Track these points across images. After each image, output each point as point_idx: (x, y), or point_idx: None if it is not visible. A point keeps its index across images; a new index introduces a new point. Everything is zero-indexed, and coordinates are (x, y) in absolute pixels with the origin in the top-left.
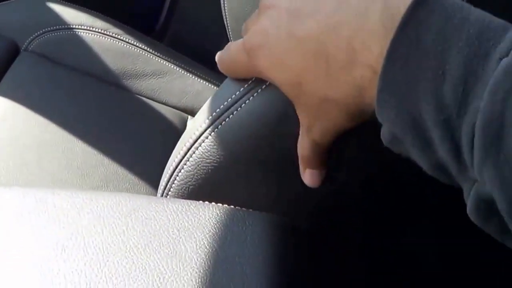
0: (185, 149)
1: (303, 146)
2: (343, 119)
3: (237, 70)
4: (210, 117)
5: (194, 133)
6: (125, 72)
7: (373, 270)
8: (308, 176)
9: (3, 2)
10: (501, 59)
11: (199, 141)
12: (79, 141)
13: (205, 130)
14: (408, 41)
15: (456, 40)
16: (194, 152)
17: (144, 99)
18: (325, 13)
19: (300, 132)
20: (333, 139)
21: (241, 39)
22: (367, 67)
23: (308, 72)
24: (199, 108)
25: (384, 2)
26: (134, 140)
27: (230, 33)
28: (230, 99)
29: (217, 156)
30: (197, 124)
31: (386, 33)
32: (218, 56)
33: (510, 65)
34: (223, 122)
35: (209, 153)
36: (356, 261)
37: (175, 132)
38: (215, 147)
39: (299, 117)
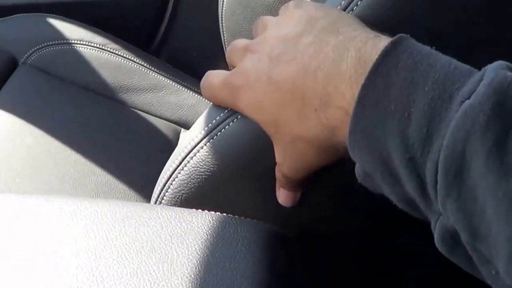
0: (180, 158)
1: (277, 174)
2: (315, 158)
3: (218, 103)
4: (206, 128)
5: (190, 143)
6: (121, 86)
7: (371, 270)
8: (281, 196)
9: (3, 18)
10: (463, 101)
11: (194, 151)
12: (73, 151)
13: (201, 141)
14: (377, 86)
15: (422, 85)
16: (188, 162)
17: (139, 112)
18: (303, 60)
19: (276, 159)
20: (304, 177)
21: (223, 75)
22: (339, 109)
23: (284, 114)
24: (193, 121)
25: (358, 50)
26: (126, 151)
27: (227, 47)
28: (226, 111)
29: (211, 166)
30: (192, 134)
31: (358, 78)
32: (201, 84)
33: (471, 106)
34: (219, 133)
35: (203, 162)
36: (353, 262)
37: (168, 143)
38: (209, 157)
39: (275, 151)
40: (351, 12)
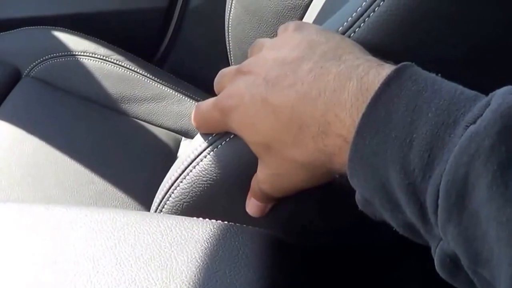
0: (182, 167)
1: (254, 186)
2: (305, 180)
3: (209, 126)
4: (210, 137)
5: (193, 152)
6: (123, 96)
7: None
8: (251, 206)
9: (8, 32)
10: (467, 126)
11: (197, 160)
12: (73, 160)
13: (204, 150)
14: (378, 114)
15: (425, 112)
16: (191, 171)
17: (140, 121)
18: (302, 87)
19: (257, 173)
20: (283, 196)
21: (213, 99)
22: (339, 136)
23: (278, 137)
24: (194, 130)
25: (360, 79)
26: (126, 160)
27: (232, 57)
28: None
29: (214, 175)
30: (196, 143)
31: (359, 106)
32: (192, 116)
33: (476, 132)
34: (223, 143)
35: (206, 171)
36: (356, 274)
37: (168, 152)
38: (212, 165)
39: (259, 168)
40: (352, 35)
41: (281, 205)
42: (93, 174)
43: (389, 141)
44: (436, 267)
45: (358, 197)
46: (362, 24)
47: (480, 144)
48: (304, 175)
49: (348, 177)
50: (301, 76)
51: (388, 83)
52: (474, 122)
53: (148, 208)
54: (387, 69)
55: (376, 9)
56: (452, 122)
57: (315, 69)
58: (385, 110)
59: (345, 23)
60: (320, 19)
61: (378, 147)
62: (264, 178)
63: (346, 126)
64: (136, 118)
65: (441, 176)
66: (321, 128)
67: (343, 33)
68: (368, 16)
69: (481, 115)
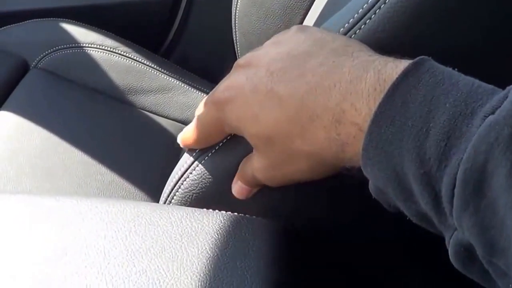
0: (192, 159)
1: (246, 171)
2: (308, 172)
3: (205, 130)
4: None
5: None
6: (130, 88)
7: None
8: (238, 188)
9: (16, 24)
10: (486, 116)
11: (206, 151)
12: (80, 151)
13: None
14: (395, 103)
15: (443, 102)
16: (201, 162)
17: (147, 113)
18: (314, 78)
19: (251, 160)
20: (277, 186)
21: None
22: (353, 125)
23: (283, 128)
24: None
25: (378, 71)
26: (133, 151)
27: (238, 48)
28: None
29: (223, 166)
30: None
31: (376, 96)
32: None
33: (495, 121)
34: (232, 134)
35: (215, 163)
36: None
37: (175, 143)
38: (222, 157)
39: (256, 158)
40: (362, 26)
41: (289, 197)
42: (100, 165)
43: (405, 130)
44: (450, 258)
45: (371, 186)
46: (373, 16)
47: (500, 133)
48: (305, 166)
49: (362, 166)
50: (311, 68)
51: (406, 75)
52: (493, 113)
53: (155, 199)
54: (404, 62)
55: (387, 0)
56: (469, 112)
57: (327, 63)
58: (402, 100)
59: (356, 15)
60: (328, 12)
61: (394, 136)
62: (260, 167)
63: (362, 115)
64: (142, 109)
65: (458, 165)
66: (335, 117)
67: (354, 24)
68: (379, 8)
69: (500, 106)
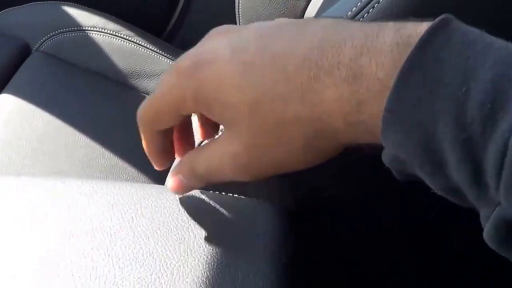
0: (197, 141)
1: (199, 164)
2: (302, 154)
3: (160, 100)
4: None
5: None
6: (133, 71)
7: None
8: (177, 184)
9: (18, 6)
10: None
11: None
12: (82, 135)
13: None
14: (427, 59)
15: (481, 63)
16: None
17: None
18: (316, 36)
19: (215, 146)
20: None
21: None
22: (375, 80)
23: (277, 89)
24: None
25: (397, 30)
26: (135, 134)
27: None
28: None
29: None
30: None
31: (402, 50)
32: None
33: None
34: None
35: None
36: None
37: None
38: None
39: (229, 140)
40: (365, 15)
41: (296, 182)
42: (103, 149)
43: (439, 88)
44: (486, 235)
45: (385, 156)
46: (376, 5)
47: None
48: (299, 143)
49: (382, 131)
50: (310, 31)
51: (434, 32)
52: None
53: (159, 183)
54: (426, 23)
55: None
56: None
57: (329, 25)
58: (434, 56)
59: (359, 3)
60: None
61: (425, 96)
62: (235, 151)
63: (385, 69)
64: (145, 93)
65: (508, 130)
66: (350, 72)
67: (363, 8)
68: None
69: None
